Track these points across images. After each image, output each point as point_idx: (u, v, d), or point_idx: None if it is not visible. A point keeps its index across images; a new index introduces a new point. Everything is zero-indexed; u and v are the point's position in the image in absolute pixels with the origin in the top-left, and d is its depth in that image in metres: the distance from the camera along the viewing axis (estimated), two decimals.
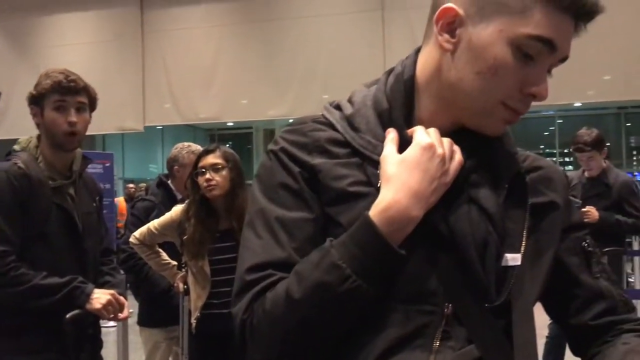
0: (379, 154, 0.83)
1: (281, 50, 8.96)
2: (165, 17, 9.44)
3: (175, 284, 2.85)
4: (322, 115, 0.92)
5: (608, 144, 4.08)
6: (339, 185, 0.83)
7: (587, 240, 0.93)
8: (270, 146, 0.90)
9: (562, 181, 0.95)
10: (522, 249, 0.82)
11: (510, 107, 0.81)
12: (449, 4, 0.81)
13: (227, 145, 2.85)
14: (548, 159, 1.02)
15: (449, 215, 0.81)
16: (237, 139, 14.36)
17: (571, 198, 3.01)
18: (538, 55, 0.79)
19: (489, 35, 0.79)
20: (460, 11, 0.80)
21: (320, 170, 0.84)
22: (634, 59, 8.06)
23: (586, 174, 3.72)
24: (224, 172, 2.49)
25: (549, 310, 0.95)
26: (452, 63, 0.82)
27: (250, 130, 13.85)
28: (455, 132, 0.85)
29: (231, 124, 11.03)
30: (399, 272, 0.79)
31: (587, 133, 3.63)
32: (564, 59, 0.82)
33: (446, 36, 0.82)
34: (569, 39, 0.81)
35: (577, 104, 9.46)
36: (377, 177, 0.82)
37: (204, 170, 2.50)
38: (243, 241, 0.85)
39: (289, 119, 9.33)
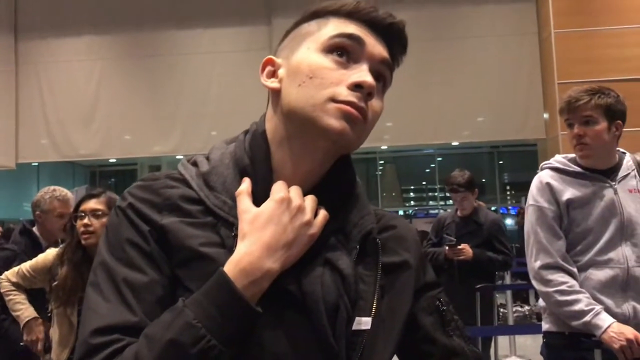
0: (235, 216, 0.81)
1: (167, 86, 8.81)
2: (43, 48, 8.98)
3: (34, 338, 2.63)
4: (178, 171, 0.88)
5: (483, 180, 4.35)
6: (190, 246, 0.80)
7: (441, 299, 0.94)
8: (119, 202, 0.85)
9: (415, 240, 0.97)
10: (373, 311, 0.82)
11: (341, 100, 0.81)
12: (268, 57, 0.89)
13: (110, 182, 2.72)
14: (431, 202, 1.04)
15: (303, 277, 0.80)
16: (120, 175, 13.79)
17: (445, 236, 3.10)
18: (351, 51, 0.84)
19: (300, 55, 0.85)
20: (277, 59, 0.89)
21: (170, 230, 0.80)
22: (503, 103, 8.75)
23: (459, 213, 3.92)
24: (104, 219, 2.36)
25: None
26: (282, 97, 0.85)
27: (135, 167, 13.37)
28: (316, 192, 0.85)
29: (114, 160, 10.58)
30: (251, 332, 0.76)
31: (460, 175, 3.83)
32: (383, 61, 0.86)
33: (272, 79, 0.87)
34: (374, 41, 0.86)
35: (455, 143, 10.02)
36: (232, 239, 0.80)
37: (83, 214, 2.38)
38: (87, 302, 0.79)
39: (176, 156, 9.14)
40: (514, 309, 5.98)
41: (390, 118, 9.60)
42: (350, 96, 0.81)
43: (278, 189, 0.82)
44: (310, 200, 0.83)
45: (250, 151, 0.87)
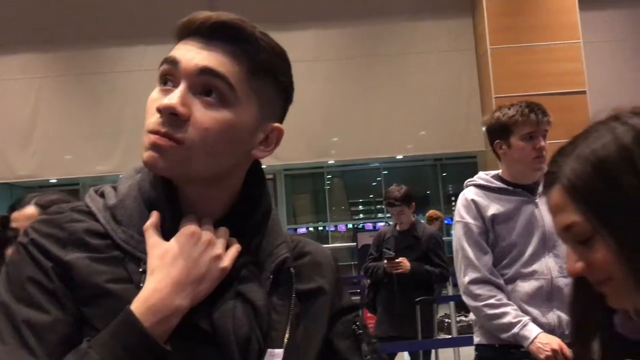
0: (142, 251, 0.80)
1: (109, 104, 8.62)
2: None
3: None
4: (85, 203, 0.86)
5: (428, 191, 4.45)
6: (95, 282, 0.78)
7: (358, 323, 0.95)
8: (20, 238, 0.82)
9: (331, 265, 0.97)
10: (286, 341, 0.82)
11: (149, 130, 0.80)
12: None
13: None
14: (379, 215, 1.05)
15: (214, 312, 0.79)
16: None
17: (385, 250, 3.11)
18: (171, 75, 0.82)
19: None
20: None
21: (74, 266, 0.78)
22: (444, 117, 8.98)
23: (398, 227, 4.00)
24: None
25: None
26: None
27: (77, 187, 12.99)
28: (229, 221, 0.85)
29: (54, 180, 10.27)
30: None
31: (396, 189, 3.91)
32: (202, 71, 0.80)
33: None
34: (195, 53, 0.81)
35: (399, 157, 10.19)
36: (139, 274, 0.79)
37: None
38: None
39: (119, 174, 8.92)
40: (458, 318, 6.10)
41: (336, 133, 9.72)
42: (155, 124, 0.80)
43: (187, 223, 0.81)
44: (222, 233, 0.82)
45: (156, 183, 0.85)
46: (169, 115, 0.78)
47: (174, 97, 0.79)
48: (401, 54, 9.17)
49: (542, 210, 2.23)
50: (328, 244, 14.35)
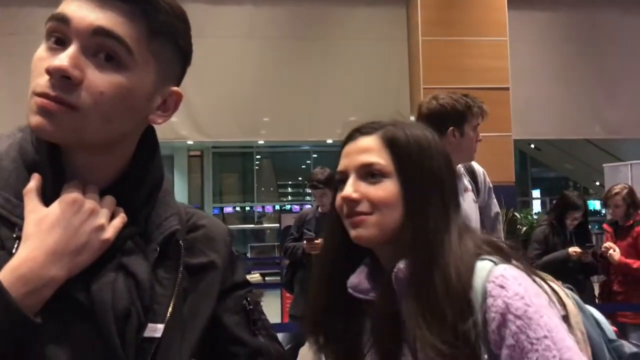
0: (19, 216, 0.75)
1: (27, 66, 8.18)
2: None
3: None
4: None
5: None
6: None
7: (249, 299, 0.95)
8: None
9: (225, 240, 0.95)
10: (169, 315, 0.80)
11: (37, 93, 0.75)
12: None
13: None
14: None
15: (93, 283, 0.76)
16: None
17: (305, 231, 3.10)
18: (61, 33, 0.76)
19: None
20: None
21: None
22: (373, 104, 9.08)
23: (320, 209, 4.02)
24: None
25: None
26: None
27: None
28: (116, 190, 0.82)
29: None
30: (31, 345, 0.71)
31: (320, 172, 3.93)
32: (95, 32, 0.75)
33: None
34: (89, 11, 0.75)
35: (329, 141, 10.25)
36: (12, 240, 0.74)
37: None
38: None
39: None
40: None
41: (267, 113, 9.64)
42: (44, 87, 0.74)
43: (70, 189, 0.77)
44: (107, 202, 0.79)
45: (38, 144, 0.80)
46: (60, 78, 0.73)
47: (65, 59, 0.74)
48: (335, 39, 9.19)
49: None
50: (254, 224, 14.34)
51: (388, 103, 9.14)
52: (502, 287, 0.86)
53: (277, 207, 14.22)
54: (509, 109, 9.80)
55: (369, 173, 0.99)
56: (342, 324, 1.02)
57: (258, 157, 14.72)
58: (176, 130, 9.48)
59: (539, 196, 17.42)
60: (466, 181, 2.38)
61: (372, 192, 0.97)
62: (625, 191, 3.93)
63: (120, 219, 0.80)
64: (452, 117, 2.21)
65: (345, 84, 9.00)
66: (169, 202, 0.89)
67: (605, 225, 4.20)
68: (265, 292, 8.04)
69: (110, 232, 0.78)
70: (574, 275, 3.87)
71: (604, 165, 8.24)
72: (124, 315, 0.76)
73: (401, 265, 0.94)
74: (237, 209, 15.39)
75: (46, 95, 0.73)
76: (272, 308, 7.14)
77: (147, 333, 0.78)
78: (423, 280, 0.90)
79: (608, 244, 3.87)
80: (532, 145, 15.74)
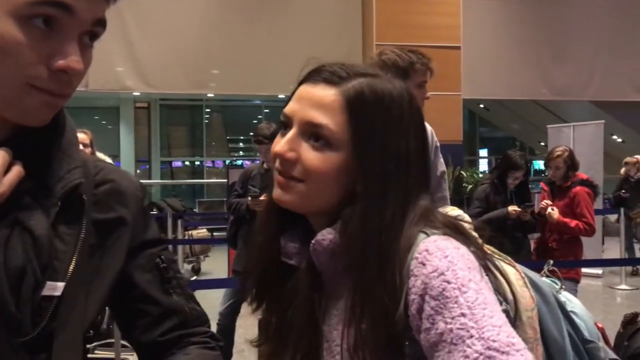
0: None
1: None
2: None
3: None
4: None
5: None
6: None
7: (163, 256, 0.91)
8: None
9: (135, 195, 0.91)
10: (70, 273, 0.76)
11: (41, 88, 0.71)
12: None
13: None
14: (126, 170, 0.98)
15: None
16: None
17: (250, 187, 3.03)
18: (56, 22, 0.71)
19: None
20: None
21: None
22: (326, 58, 8.97)
23: (265, 165, 3.97)
24: None
25: (122, 329, 0.92)
26: None
27: None
28: (13, 142, 0.75)
29: None
30: None
31: (266, 127, 3.85)
32: (98, 22, 0.74)
33: None
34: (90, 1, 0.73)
35: (281, 96, 10.11)
36: None
37: None
38: None
39: None
40: None
41: (217, 65, 9.42)
42: (52, 83, 0.72)
43: None
44: (1, 155, 0.73)
45: None
46: (67, 78, 0.73)
47: (79, 57, 0.73)
48: None
49: None
50: (203, 179, 14.18)
51: (340, 59, 9.01)
52: (423, 264, 0.75)
53: (228, 162, 14.08)
54: (460, 68, 9.87)
55: (313, 134, 0.82)
56: (275, 284, 0.93)
57: (208, 110, 14.45)
58: (121, 80, 9.17)
59: (486, 155, 17.81)
60: None
61: (309, 158, 0.81)
62: (566, 153, 4.02)
63: (15, 172, 0.74)
64: (393, 74, 2.18)
65: (298, 38, 8.84)
66: (73, 155, 0.83)
67: (542, 184, 4.31)
68: (213, 247, 8.05)
69: (4, 185, 0.72)
70: (512, 233, 3.99)
71: (547, 126, 8.43)
72: (18, 273, 0.72)
73: (329, 235, 0.82)
74: (187, 163, 15.16)
75: (56, 93, 0.73)
76: (220, 263, 7.15)
77: (46, 291, 0.74)
78: (355, 256, 0.79)
79: (546, 201, 3.98)
80: (481, 105, 15.99)
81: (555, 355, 0.92)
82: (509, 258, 0.93)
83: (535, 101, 13.23)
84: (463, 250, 0.77)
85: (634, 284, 6.66)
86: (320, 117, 0.81)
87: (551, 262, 1.10)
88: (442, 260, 0.74)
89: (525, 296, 0.89)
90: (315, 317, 0.86)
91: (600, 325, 1.04)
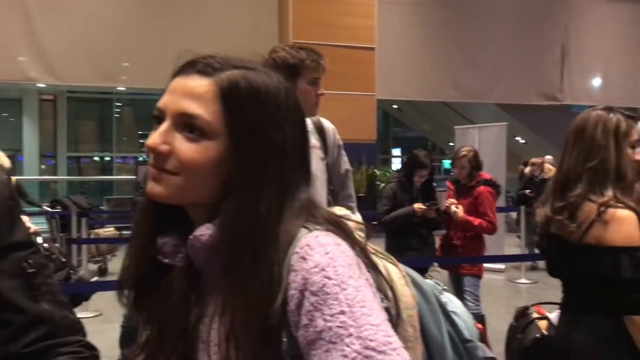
0: None
1: None
2: None
3: None
4: None
5: None
6: None
7: (31, 260, 0.85)
8: None
9: (1, 194, 0.84)
10: None
11: None
12: None
13: None
14: None
15: None
16: None
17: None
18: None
19: None
20: None
21: None
22: (241, 55, 8.88)
23: None
24: None
25: None
26: None
27: None
28: None
29: None
30: None
31: None
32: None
33: None
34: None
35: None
36: None
37: None
38: None
39: None
40: None
41: (128, 57, 9.08)
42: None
43: None
44: None
45: None
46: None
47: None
48: None
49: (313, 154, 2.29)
50: (112, 175, 13.65)
51: (256, 56, 8.99)
52: (304, 259, 0.73)
53: (140, 159, 13.63)
54: (374, 69, 10.06)
55: (187, 125, 0.79)
56: (153, 288, 0.86)
57: (118, 104, 13.93)
58: (24, 71, 8.66)
59: (399, 154, 18.27)
60: (314, 139, 2.36)
61: (184, 150, 0.78)
62: (470, 154, 4.17)
63: None
64: (284, 71, 2.18)
65: (213, 33, 8.68)
66: None
67: (448, 183, 4.45)
68: (121, 246, 7.76)
69: None
70: (418, 230, 4.09)
71: (455, 127, 8.75)
72: None
73: (208, 231, 0.79)
74: (95, 159, 14.55)
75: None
76: None
77: None
78: (229, 248, 0.77)
79: (450, 200, 4.12)
80: (395, 106, 16.39)
81: (435, 354, 0.93)
82: (392, 257, 0.94)
83: (445, 103, 13.72)
84: (344, 246, 0.76)
85: (534, 278, 7.03)
86: (194, 108, 0.78)
87: (436, 264, 1.13)
88: (324, 256, 0.73)
89: (406, 295, 0.89)
90: (191, 317, 0.82)
91: (480, 326, 1.06)
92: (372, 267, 0.81)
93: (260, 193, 0.78)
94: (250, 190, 0.78)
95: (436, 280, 1.03)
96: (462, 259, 4.15)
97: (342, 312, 0.69)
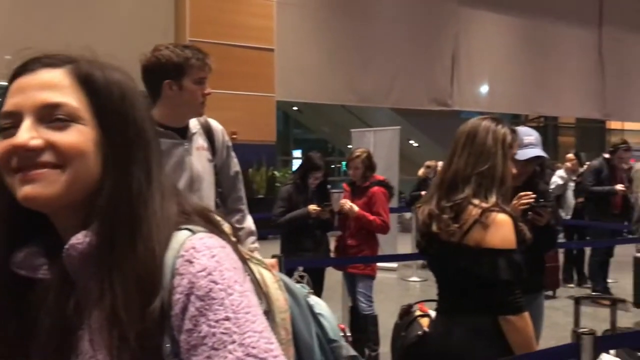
0: None
1: None
2: None
3: None
4: None
5: None
6: None
7: None
8: None
9: None
10: None
11: None
12: None
13: None
14: None
15: None
16: None
17: None
18: None
19: None
20: None
21: None
22: (134, 54, 8.57)
23: None
24: None
25: None
26: None
27: None
28: None
29: None
30: None
31: None
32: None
33: None
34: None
35: None
36: None
37: None
38: None
39: None
40: None
41: (10, 51, 8.49)
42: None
43: None
44: None
45: None
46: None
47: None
48: None
49: (191, 154, 2.23)
50: None
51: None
52: (190, 262, 0.73)
53: None
54: (273, 70, 10.06)
55: (52, 116, 0.75)
56: (6, 305, 0.80)
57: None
58: None
59: (300, 156, 18.42)
60: (201, 139, 2.31)
61: (60, 138, 0.74)
62: (364, 155, 4.27)
63: None
64: (169, 70, 2.13)
65: (105, 30, 8.31)
66: None
67: (344, 185, 4.54)
68: None
69: None
70: (313, 231, 4.14)
71: (351, 130, 8.95)
72: None
73: (86, 238, 0.75)
74: None
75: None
76: None
77: None
78: (114, 255, 0.74)
79: (345, 200, 4.20)
80: (295, 108, 16.51)
81: (304, 355, 0.96)
82: (265, 262, 0.96)
83: (344, 106, 13.99)
84: (228, 249, 0.77)
85: (424, 276, 7.32)
86: (57, 97, 0.76)
87: (301, 268, 1.19)
88: (210, 259, 0.74)
89: (280, 299, 0.92)
90: (66, 332, 0.77)
91: (342, 326, 1.11)
92: (248, 273, 0.82)
93: (131, 172, 0.78)
94: (122, 170, 0.77)
95: (302, 285, 1.06)
96: (356, 259, 4.24)
97: (227, 319, 0.70)
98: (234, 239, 0.86)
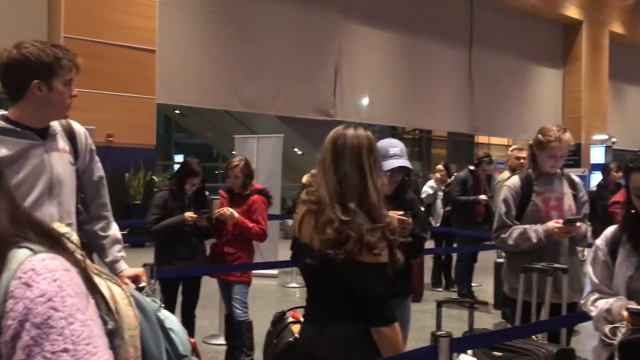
0: None
1: None
2: None
3: None
4: None
5: None
6: None
7: None
8: None
9: None
10: None
11: None
12: None
13: None
14: None
15: None
16: None
17: None
18: None
19: None
20: None
21: None
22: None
23: None
24: None
25: None
26: None
27: None
28: None
29: None
30: None
31: None
32: None
33: None
34: None
35: None
36: None
37: None
38: None
39: None
40: None
41: None
42: None
43: None
44: None
45: None
46: None
47: None
48: None
49: (51, 156, 2.11)
50: None
51: None
52: (28, 285, 0.68)
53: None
54: (154, 72, 9.77)
55: None
56: None
57: None
58: None
59: (181, 161, 18.00)
60: (62, 142, 2.20)
61: None
62: (242, 163, 4.25)
63: None
64: (38, 69, 2.01)
65: None
66: None
67: (221, 191, 4.50)
68: None
69: None
70: (189, 238, 4.06)
71: (234, 136, 8.89)
72: None
73: None
74: None
75: None
76: None
77: None
78: None
79: (224, 208, 4.16)
80: (177, 111, 16.11)
81: None
82: (116, 277, 0.94)
83: (228, 111, 13.87)
84: (72, 272, 0.73)
85: (303, 283, 7.43)
86: None
87: (153, 281, 1.17)
88: (51, 284, 0.69)
89: (129, 315, 0.90)
90: None
91: (193, 340, 1.10)
92: (95, 291, 0.79)
93: None
94: None
95: (154, 299, 1.05)
96: (232, 267, 4.22)
97: (66, 350, 0.66)
98: (81, 252, 0.83)
